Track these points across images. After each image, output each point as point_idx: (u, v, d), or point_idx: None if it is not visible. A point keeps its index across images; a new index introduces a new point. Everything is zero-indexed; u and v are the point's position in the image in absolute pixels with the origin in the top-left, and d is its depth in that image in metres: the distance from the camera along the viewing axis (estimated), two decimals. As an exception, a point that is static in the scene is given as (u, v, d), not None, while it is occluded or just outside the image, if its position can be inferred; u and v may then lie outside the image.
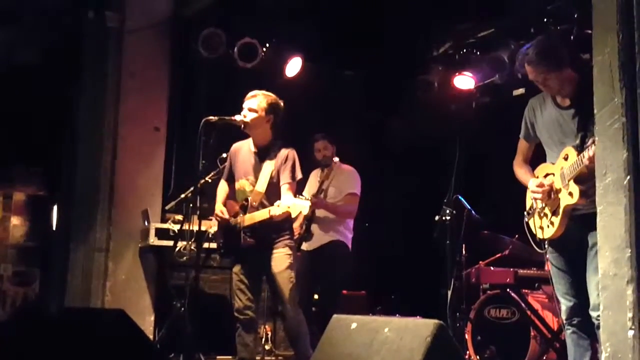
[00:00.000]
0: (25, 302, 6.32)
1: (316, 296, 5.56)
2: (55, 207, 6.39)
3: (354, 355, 2.48)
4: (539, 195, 3.24)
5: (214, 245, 4.58)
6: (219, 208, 4.28)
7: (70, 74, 6.07)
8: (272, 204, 3.98)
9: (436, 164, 6.98)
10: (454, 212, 4.07)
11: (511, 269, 3.94)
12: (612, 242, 2.26)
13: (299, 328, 4.11)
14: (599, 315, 2.93)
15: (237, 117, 4.13)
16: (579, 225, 3.13)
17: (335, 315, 2.76)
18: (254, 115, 4.13)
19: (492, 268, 4.16)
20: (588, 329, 3.15)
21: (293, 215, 3.91)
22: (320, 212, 5.27)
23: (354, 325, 2.59)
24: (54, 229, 6.35)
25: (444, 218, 3.94)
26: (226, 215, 4.21)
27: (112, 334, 2.93)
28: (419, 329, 2.40)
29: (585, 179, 3.00)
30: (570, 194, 3.09)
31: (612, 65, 2.29)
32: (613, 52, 2.29)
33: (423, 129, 6.89)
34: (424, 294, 6.79)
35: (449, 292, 3.82)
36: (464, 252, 4.95)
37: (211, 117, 4.04)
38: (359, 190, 5.27)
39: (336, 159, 5.41)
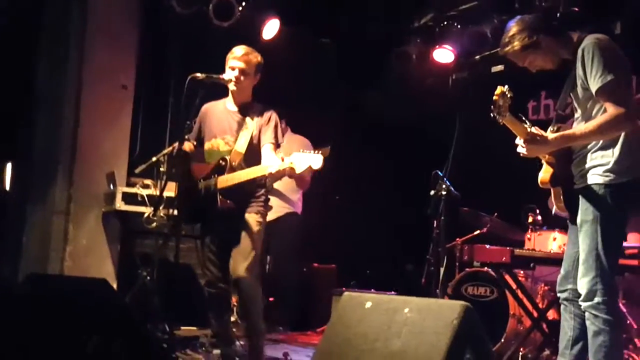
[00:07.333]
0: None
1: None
2: (9, 165, 5.93)
3: (371, 337, 2.31)
4: None
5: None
6: None
7: (30, 27, 5.62)
8: (249, 167, 3.72)
9: (410, 137, 6.89)
10: (444, 186, 3.93)
11: (508, 248, 3.85)
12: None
13: (253, 301, 3.83)
14: (589, 306, 2.79)
15: (225, 76, 3.87)
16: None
17: (346, 293, 2.59)
18: (246, 75, 3.88)
19: (487, 246, 4.06)
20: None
21: (298, 172, 3.48)
22: (278, 184, 5.16)
23: (368, 304, 2.41)
24: (8, 189, 5.91)
25: (439, 193, 3.80)
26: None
27: (94, 304, 2.68)
28: (443, 310, 2.25)
29: None
30: None
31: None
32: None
33: (398, 101, 6.75)
34: (392, 270, 6.74)
35: (441, 269, 3.70)
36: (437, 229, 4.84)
37: (198, 74, 3.75)
38: None
39: None
